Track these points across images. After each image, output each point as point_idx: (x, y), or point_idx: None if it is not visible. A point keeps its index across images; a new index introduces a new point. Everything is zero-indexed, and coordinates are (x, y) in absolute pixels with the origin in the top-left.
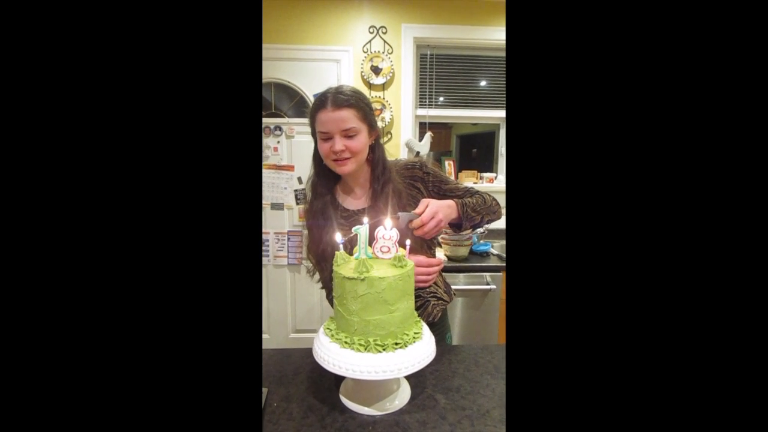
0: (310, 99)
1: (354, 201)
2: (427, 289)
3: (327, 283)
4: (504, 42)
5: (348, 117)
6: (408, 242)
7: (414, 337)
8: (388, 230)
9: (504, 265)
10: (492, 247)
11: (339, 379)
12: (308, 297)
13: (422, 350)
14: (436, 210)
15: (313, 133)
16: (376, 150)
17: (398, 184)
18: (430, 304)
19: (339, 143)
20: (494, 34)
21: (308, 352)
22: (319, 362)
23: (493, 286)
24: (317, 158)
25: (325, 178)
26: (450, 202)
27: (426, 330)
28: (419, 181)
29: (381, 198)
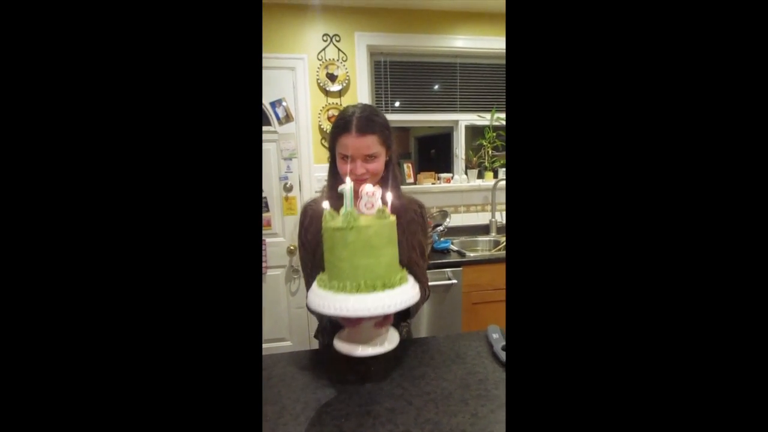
0: (267, 107)
1: None
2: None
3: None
4: (453, 48)
5: (371, 143)
6: (389, 196)
7: (400, 281)
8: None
9: (463, 260)
10: (452, 243)
11: (313, 375)
12: (276, 305)
13: (409, 291)
14: None
15: (331, 150)
16: (389, 166)
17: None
18: None
19: (360, 168)
20: (444, 42)
21: (277, 358)
22: (316, 309)
23: (455, 281)
24: (333, 171)
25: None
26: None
27: (410, 276)
28: (411, 215)
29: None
